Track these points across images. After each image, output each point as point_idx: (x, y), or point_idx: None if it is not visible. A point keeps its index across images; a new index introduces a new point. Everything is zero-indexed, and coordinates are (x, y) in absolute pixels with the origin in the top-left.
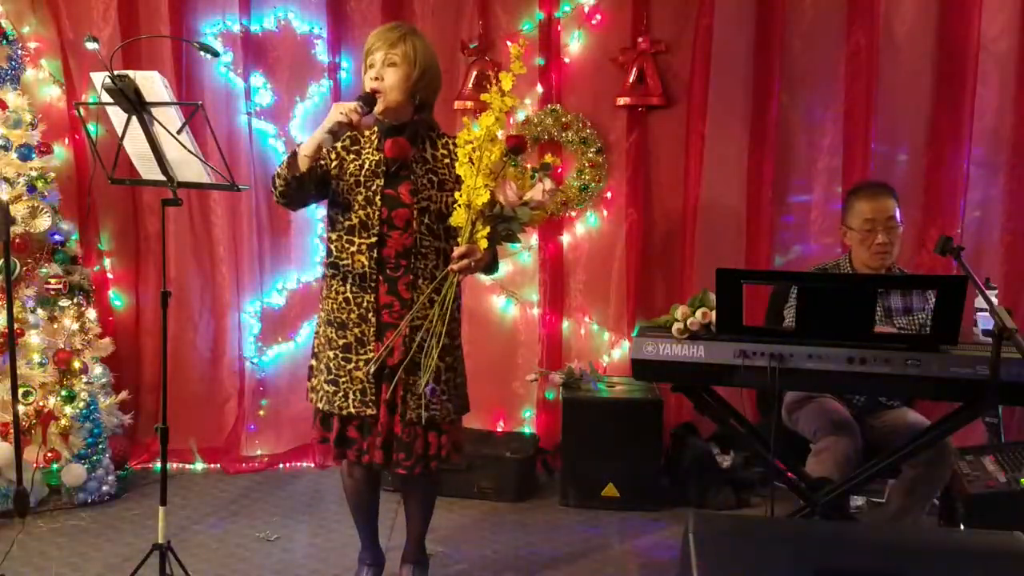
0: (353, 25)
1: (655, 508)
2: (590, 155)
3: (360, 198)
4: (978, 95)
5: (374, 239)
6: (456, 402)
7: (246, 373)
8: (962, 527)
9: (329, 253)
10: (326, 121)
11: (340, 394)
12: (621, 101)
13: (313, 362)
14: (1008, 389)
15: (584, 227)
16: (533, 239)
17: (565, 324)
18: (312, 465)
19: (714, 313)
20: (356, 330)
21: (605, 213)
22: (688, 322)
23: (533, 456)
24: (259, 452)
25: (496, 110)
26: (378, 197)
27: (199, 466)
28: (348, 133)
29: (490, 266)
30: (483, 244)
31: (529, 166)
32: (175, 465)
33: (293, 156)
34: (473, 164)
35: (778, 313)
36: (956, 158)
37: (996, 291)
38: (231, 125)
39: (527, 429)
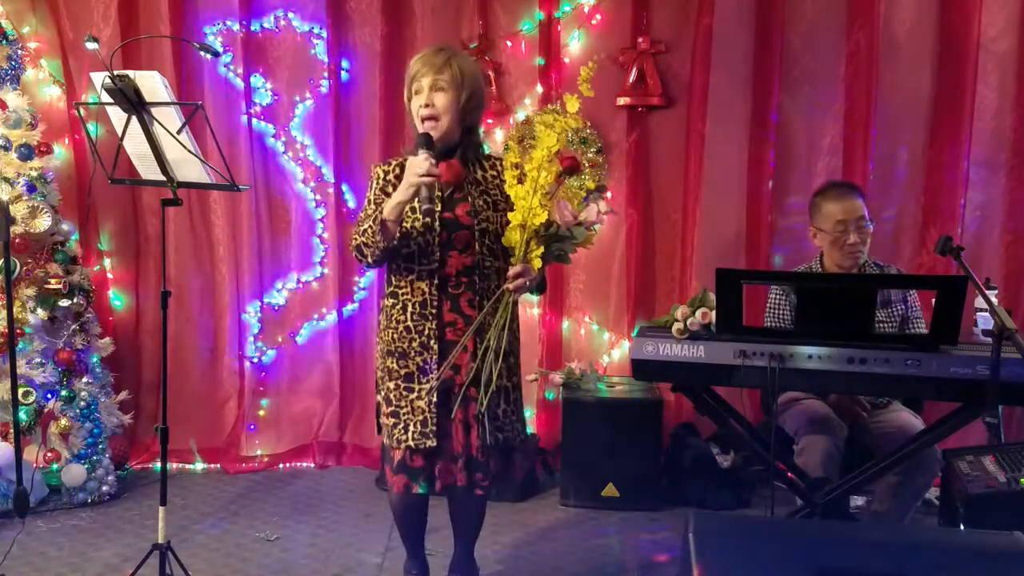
0: (353, 25)
1: (655, 508)
2: (590, 155)
3: (418, 225)
4: (978, 95)
5: (435, 265)
6: (522, 420)
7: (246, 373)
8: (962, 527)
9: (388, 282)
10: (405, 185)
11: (400, 426)
12: (621, 101)
13: (378, 397)
14: (1008, 389)
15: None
16: None
17: (565, 324)
18: (312, 465)
19: (714, 313)
20: (418, 359)
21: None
22: (688, 322)
23: (533, 456)
24: (259, 452)
25: (559, 130)
26: (436, 223)
27: (199, 466)
28: (389, 161)
29: (539, 285)
30: (537, 264)
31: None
32: (175, 465)
33: (383, 225)
34: (523, 184)
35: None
36: (956, 158)
37: (996, 291)
38: (231, 125)
39: (527, 429)
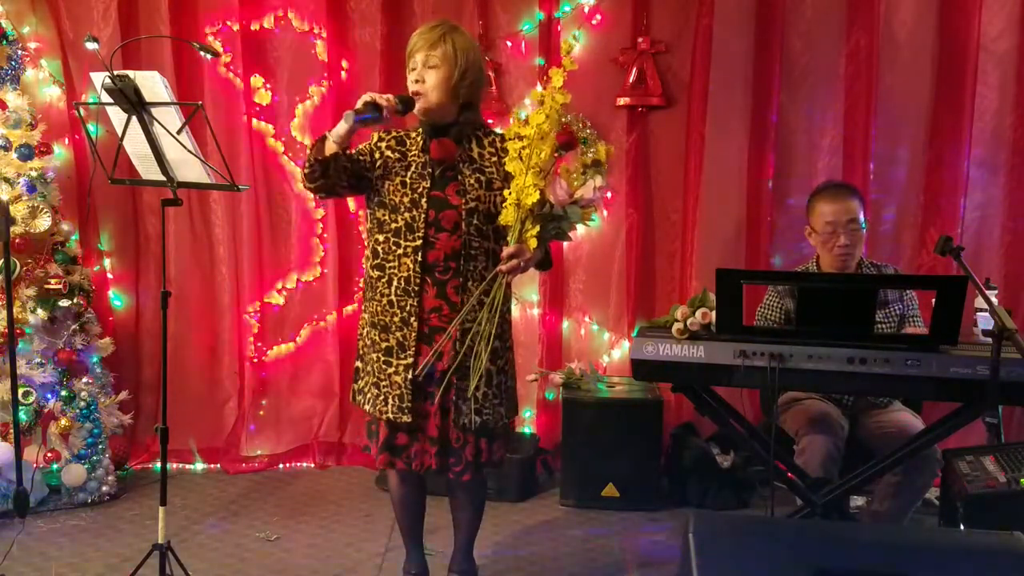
0: (353, 25)
1: (655, 508)
2: (590, 155)
3: (406, 200)
4: (978, 95)
5: (419, 242)
6: (507, 405)
7: (246, 373)
8: (962, 527)
9: (376, 254)
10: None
11: (381, 398)
12: (621, 101)
13: (359, 364)
14: (1008, 389)
15: (584, 227)
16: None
17: (565, 324)
18: (312, 465)
19: (714, 313)
20: (398, 334)
21: (605, 213)
22: (688, 322)
23: (533, 456)
24: (259, 452)
25: (547, 107)
26: (424, 200)
27: (199, 466)
28: (389, 130)
29: (543, 263)
30: (532, 244)
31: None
32: (175, 465)
33: (321, 139)
34: (523, 161)
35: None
36: (956, 158)
37: (996, 291)
38: (231, 125)
39: (527, 429)
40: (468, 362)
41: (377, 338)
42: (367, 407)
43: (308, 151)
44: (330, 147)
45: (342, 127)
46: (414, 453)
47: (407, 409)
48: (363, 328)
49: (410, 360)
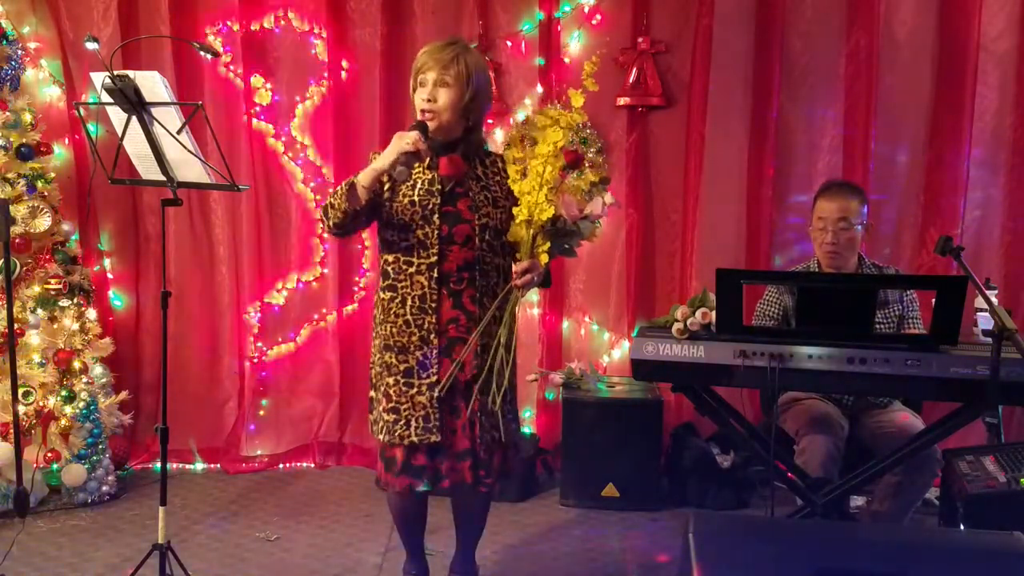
0: (353, 25)
1: (655, 508)
2: (590, 155)
3: (418, 218)
4: (978, 95)
5: (434, 258)
6: (515, 416)
7: (246, 373)
8: (962, 527)
9: (386, 275)
10: (388, 152)
11: (401, 422)
12: (621, 101)
13: (372, 394)
14: (1008, 389)
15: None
16: None
17: (565, 324)
18: (312, 465)
19: (714, 313)
20: (418, 353)
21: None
22: (688, 322)
23: (533, 456)
24: (259, 452)
25: (564, 125)
26: (436, 216)
27: (199, 466)
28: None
29: (544, 280)
30: (544, 259)
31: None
32: (175, 465)
33: (352, 188)
34: (529, 177)
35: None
36: (956, 158)
37: (996, 291)
38: (231, 125)
39: (527, 429)
40: (490, 377)
41: (394, 360)
42: (382, 436)
43: (332, 200)
44: (363, 194)
45: (371, 178)
46: (445, 471)
47: (434, 428)
48: (376, 354)
49: (433, 379)
